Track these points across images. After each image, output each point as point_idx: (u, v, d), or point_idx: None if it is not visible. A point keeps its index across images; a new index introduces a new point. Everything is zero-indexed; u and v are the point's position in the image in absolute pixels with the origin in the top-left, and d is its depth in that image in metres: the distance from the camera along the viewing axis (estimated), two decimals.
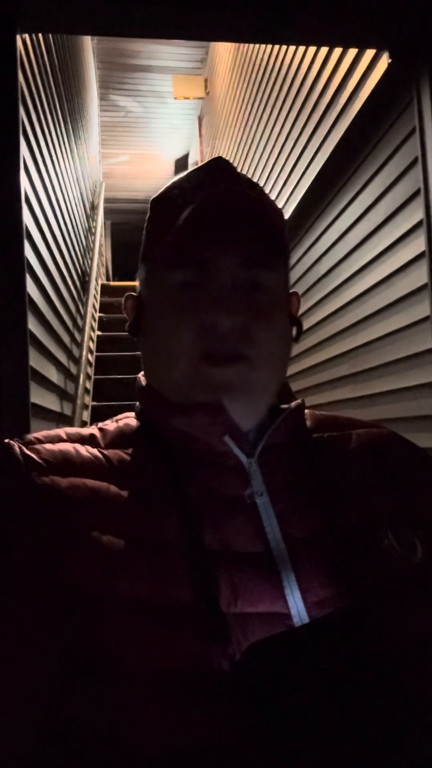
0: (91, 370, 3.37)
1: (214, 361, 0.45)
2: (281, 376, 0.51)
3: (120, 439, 0.49)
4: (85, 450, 0.47)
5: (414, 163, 1.58)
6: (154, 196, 0.52)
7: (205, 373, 0.46)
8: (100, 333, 3.94)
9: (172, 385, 0.48)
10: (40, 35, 2.08)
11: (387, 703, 0.37)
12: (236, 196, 0.47)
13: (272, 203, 0.51)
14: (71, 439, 0.48)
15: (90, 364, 3.33)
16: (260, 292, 0.48)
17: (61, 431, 0.49)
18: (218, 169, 0.50)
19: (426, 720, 0.38)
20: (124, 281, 5.60)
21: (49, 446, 0.46)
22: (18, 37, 1.29)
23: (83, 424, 2.75)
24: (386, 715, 0.37)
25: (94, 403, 3.23)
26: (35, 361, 1.78)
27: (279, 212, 0.51)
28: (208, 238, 0.46)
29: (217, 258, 0.46)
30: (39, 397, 1.83)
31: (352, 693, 0.37)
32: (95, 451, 0.47)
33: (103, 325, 4.05)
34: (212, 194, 0.47)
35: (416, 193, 1.57)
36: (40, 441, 0.47)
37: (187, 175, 0.52)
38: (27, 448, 0.45)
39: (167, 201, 0.50)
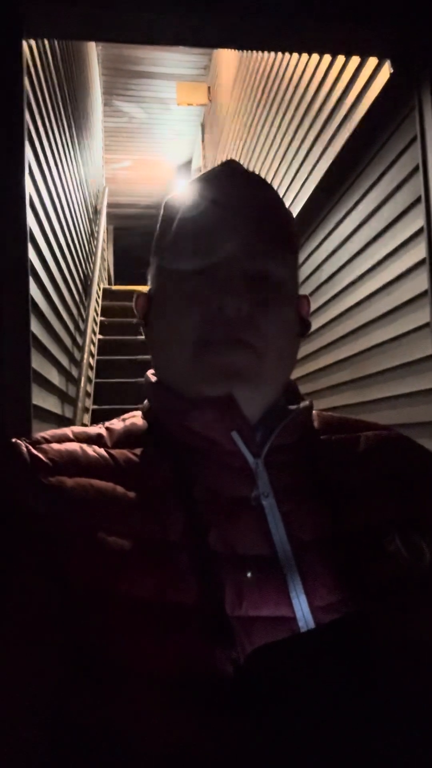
0: (92, 374, 3.37)
1: (215, 346, 0.45)
2: (287, 369, 0.51)
3: (126, 438, 0.49)
4: (91, 450, 0.47)
5: (415, 171, 1.59)
6: (167, 198, 0.53)
7: (206, 358, 0.45)
8: (101, 336, 3.94)
9: (177, 373, 0.48)
10: (45, 41, 2.10)
11: (393, 709, 0.37)
12: (248, 196, 0.48)
13: (283, 203, 0.52)
14: (78, 438, 0.48)
15: (91, 367, 3.33)
16: (268, 283, 0.47)
17: (68, 430, 0.49)
18: (231, 171, 0.51)
19: None
20: (126, 285, 5.61)
21: (56, 446, 0.46)
22: (24, 42, 1.30)
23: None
24: (392, 722, 0.37)
25: (95, 406, 3.22)
26: (37, 363, 1.78)
27: (288, 211, 0.52)
28: (216, 231, 0.46)
29: (224, 249, 0.47)
30: (40, 399, 1.83)
31: (357, 699, 0.36)
32: (102, 450, 0.47)
33: (104, 328, 4.05)
34: (223, 194, 0.48)
35: (417, 201, 1.58)
36: (47, 440, 0.47)
37: (201, 176, 0.52)
38: (34, 448, 0.45)
39: (179, 201, 0.51)
